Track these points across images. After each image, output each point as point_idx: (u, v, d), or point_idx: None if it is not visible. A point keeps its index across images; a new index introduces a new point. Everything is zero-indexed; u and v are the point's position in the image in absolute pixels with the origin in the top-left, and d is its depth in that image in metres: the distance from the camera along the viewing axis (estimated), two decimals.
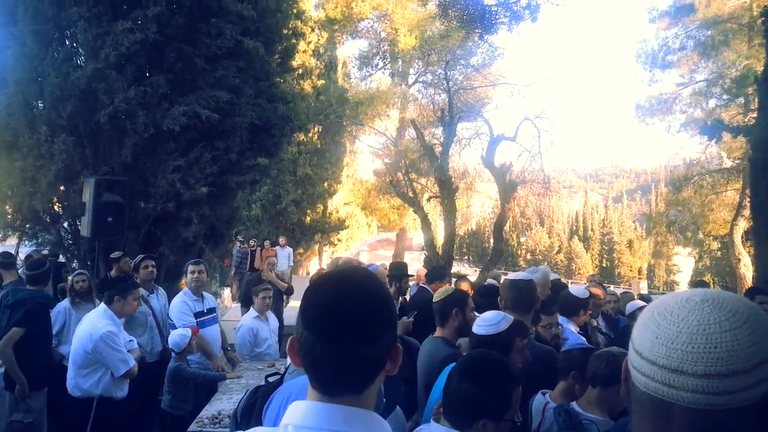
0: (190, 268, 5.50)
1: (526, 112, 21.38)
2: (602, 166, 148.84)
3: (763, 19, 10.09)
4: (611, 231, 64.75)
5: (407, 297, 6.36)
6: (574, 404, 2.51)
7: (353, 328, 1.02)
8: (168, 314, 5.52)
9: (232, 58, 8.28)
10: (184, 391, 4.72)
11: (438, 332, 3.37)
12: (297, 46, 12.08)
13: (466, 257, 61.93)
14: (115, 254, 6.47)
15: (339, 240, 25.41)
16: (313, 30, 20.95)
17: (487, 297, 4.07)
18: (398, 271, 4.99)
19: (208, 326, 5.37)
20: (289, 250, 14.81)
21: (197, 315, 5.31)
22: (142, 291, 5.54)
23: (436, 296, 3.44)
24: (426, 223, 9.39)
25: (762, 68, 10.22)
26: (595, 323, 5.42)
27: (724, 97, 20.70)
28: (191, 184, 7.78)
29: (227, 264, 13.55)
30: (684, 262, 45.65)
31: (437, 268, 5.99)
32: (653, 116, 22.71)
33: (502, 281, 3.96)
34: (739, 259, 17.40)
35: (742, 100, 19.40)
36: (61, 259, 8.19)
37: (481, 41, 13.77)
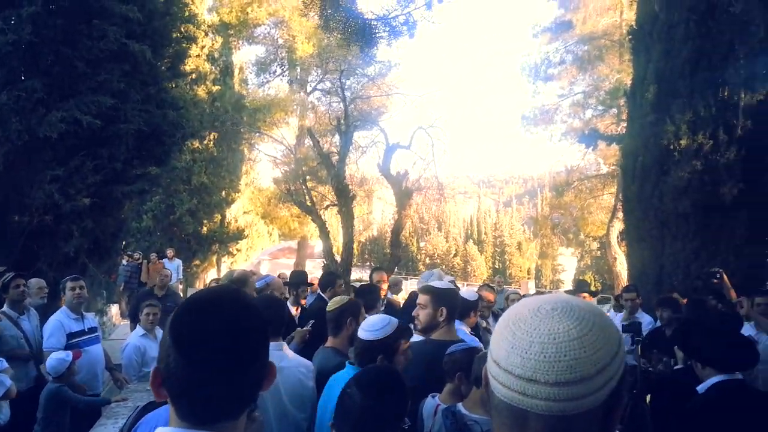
0: (69, 284, 5.15)
1: (420, 122, 22.06)
2: (494, 172, 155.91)
3: (630, 37, 11.06)
4: (503, 234, 67.95)
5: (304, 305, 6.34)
6: (460, 405, 2.60)
7: (226, 349, 0.98)
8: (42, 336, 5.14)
9: (116, 61, 7.90)
10: (60, 416, 4.39)
11: (329, 342, 3.34)
12: (189, 50, 11.73)
13: (368, 263, 62.36)
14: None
15: (238, 250, 24.76)
16: (206, 34, 20.33)
17: (364, 295, 4.14)
18: (296, 279, 4.98)
19: (90, 346, 5.05)
20: (177, 262, 14.20)
21: (77, 335, 4.98)
22: (12, 313, 5.13)
23: (331, 305, 3.39)
24: (324, 232, 9.39)
25: (630, 82, 11.18)
26: (485, 324, 5.68)
27: (599, 107, 22.50)
28: (71, 195, 7.32)
29: (114, 279, 12.79)
30: (568, 261, 48.88)
31: (329, 274, 6.03)
32: (537, 126, 24.20)
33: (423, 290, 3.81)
34: (615, 258, 18.89)
35: (615, 110, 21.15)
36: None
37: (363, 54, 13.90)
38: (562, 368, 0.80)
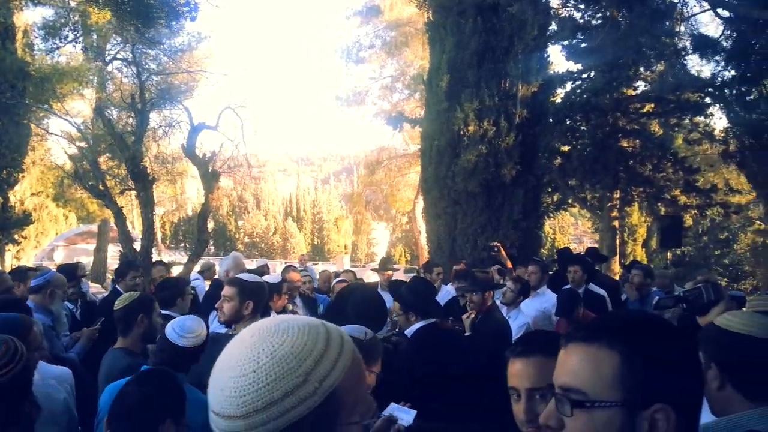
0: None
1: (229, 101, 21.22)
2: (313, 149, 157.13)
3: (427, 28, 11.87)
4: (321, 211, 69.01)
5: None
6: None
7: None
8: None
9: None
10: None
11: (119, 342, 3.14)
12: None
13: (182, 245, 59.42)
14: None
15: (24, 237, 21.97)
16: None
17: (166, 290, 4.03)
18: (65, 273, 4.64)
19: None
20: None
21: None
22: None
23: (118, 303, 3.15)
24: (120, 218, 8.68)
25: (428, 70, 12.02)
26: (290, 307, 5.70)
27: (406, 91, 23.85)
28: None
29: None
30: (381, 235, 51.51)
31: (124, 264, 5.64)
32: (350, 106, 25.02)
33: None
34: (419, 232, 20.36)
35: (419, 95, 22.54)
36: None
37: (138, 35, 12.72)
38: (218, 399, 0.85)
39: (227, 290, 3.28)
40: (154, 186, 11.92)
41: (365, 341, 2.43)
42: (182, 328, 2.60)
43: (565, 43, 13.19)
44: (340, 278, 6.74)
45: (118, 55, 22.90)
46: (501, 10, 10.14)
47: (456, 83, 10.26)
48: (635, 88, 16.23)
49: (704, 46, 11.02)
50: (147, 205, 8.84)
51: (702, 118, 15.82)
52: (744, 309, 2.47)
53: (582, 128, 15.96)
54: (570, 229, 55.07)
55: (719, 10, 9.87)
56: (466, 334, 4.53)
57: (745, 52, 10.66)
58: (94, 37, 22.78)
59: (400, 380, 3.22)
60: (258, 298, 3.26)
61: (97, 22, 21.20)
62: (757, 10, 8.34)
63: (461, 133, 10.00)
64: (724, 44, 10.81)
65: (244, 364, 0.84)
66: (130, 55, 14.05)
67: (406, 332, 3.52)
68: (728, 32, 10.69)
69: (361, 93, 24.67)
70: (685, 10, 10.14)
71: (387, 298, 6.15)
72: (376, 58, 24.21)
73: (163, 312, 3.62)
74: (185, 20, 11.61)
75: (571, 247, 15.11)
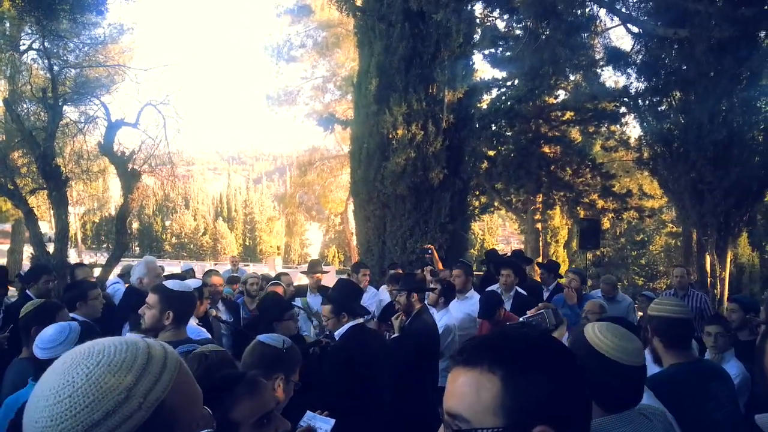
0: None
1: (151, 97, 20.42)
2: (244, 148, 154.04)
3: (356, 31, 11.95)
4: (253, 211, 67.78)
5: None
6: None
7: None
8: None
9: None
10: None
11: (24, 353, 3.03)
12: None
13: (104, 245, 56.89)
14: None
15: None
16: None
17: (67, 293, 3.92)
18: None
19: None
20: None
21: None
22: None
23: (23, 311, 3.06)
24: (31, 218, 8.19)
25: (357, 73, 12.10)
26: (214, 312, 5.58)
27: (337, 92, 23.87)
28: None
29: None
30: (314, 236, 51.28)
31: (36, 267, 5.40)
32: (281, 106, 24.72)
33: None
34: (352, 233, 20.43)
35: (350, 96, 22.60)
36: None
37: (40, 26, 11.94)
38: (38, 431, 0.81)
39: (150, 297, 3.21)
40: (71, 184, 11.22)
41: (283, 350, 2.46)
42: (41, 339, 2.43)
43: (488, 51, 13.61)
44: (273, 281, 6.67)
45: (34, 45, 21.64)
46: (427, 16, 10.34)
47: (385, 87, 10.38)
48: (556, 97, 16.96)
49: (617, 58, 11.68)
50: (61, 205, 8.36)
51: (618, 127, 16.73)
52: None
53: (507, 134, 16.54)
54: (498, 231, 56.76)
55: (629, 26, 10.47)
56: (395, 335, 4.61)
57: (654, 66, 11.37)
58: (7, 25, 21.44)
59: (328, 380, 3.32)
60: (181, 309, 3.18)
61: (9, 9, 20.01)
62: (662, 28, 8.91)
63: (390, 136, 10.13)
64: (636, 58, 11.50)
65: (58, 390, 0.81)
66: (43, 45, 13.12)
67: (335, 334, 3.62)
68: (638, 47, 11.39)
69: (293, 93, 24.46)
70: (599, 24, 10.68)
71: (316, 300, 6.23)
72: (308, 58, 24.06)
73: (71, 316, 3.51)
74: (92, 14, 11.04)
75: (498, 248, 15.62)
